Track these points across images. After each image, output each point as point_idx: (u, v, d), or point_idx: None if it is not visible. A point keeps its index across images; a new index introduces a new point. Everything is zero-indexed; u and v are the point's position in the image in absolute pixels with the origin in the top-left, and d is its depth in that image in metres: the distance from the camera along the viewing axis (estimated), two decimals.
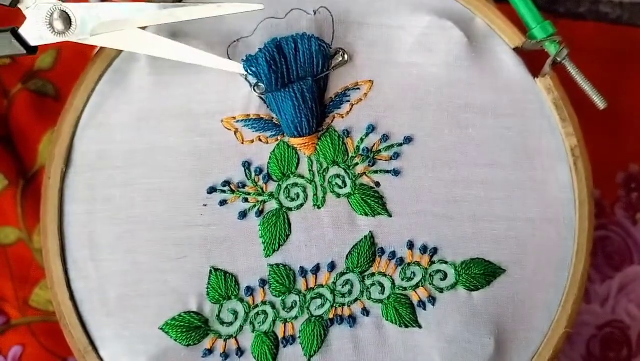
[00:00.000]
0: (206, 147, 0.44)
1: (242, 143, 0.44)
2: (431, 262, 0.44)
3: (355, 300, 0.44)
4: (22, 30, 0.42)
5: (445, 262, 0.44)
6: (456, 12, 0.45)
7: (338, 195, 0.44)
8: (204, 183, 0.44)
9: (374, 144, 0.44)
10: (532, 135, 0.45)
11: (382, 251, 0.44)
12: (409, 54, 0.45)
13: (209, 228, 0.44)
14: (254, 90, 0.44)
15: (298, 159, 0.44)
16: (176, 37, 0.43)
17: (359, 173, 0.44)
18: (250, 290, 0.44)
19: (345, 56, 0.44)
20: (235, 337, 0.43)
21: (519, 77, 0.46)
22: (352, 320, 0.44)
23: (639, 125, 0.57)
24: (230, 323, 0.43)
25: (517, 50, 0.46)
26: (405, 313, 0.44)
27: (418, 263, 0.44)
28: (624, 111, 0.57)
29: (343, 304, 0.44)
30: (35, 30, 0.42)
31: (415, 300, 0.44)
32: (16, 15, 0.42)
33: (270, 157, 0.44)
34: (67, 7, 0.41)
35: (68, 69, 0.54)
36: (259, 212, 0.44)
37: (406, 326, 0.44)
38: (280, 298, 0.44)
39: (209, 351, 0.43)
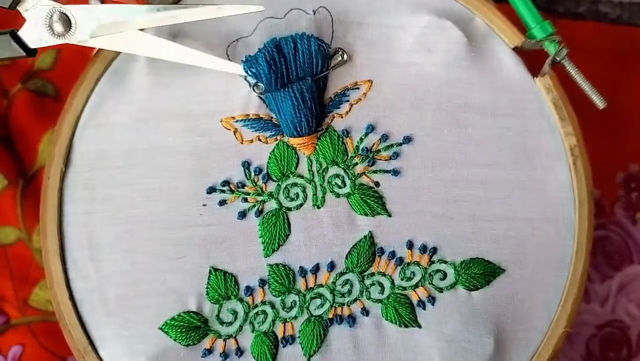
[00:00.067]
0: (206, 147, 0.44)
1: (242, 143, 0.44)
2: (431, 262, 0.44)
3: (355, 300, 0.44)
4: (22, 33, 0.42)
5: (445, 262, 0.44)
6: (456, 12, 0.45)
7: (338, 195, 0.44)
8: (204, 183, 0.44)
9: (374, 144, 0.44)
10: (532, 135, 0.45)
11: (382, 251, 0.44)
12: (408, 53, 0.45)
13: (209, 228, 0.44)
14: (254, 90, 0.44)
15: (298, 159, 0.44)
16: (176, 37, 0.44)
17: (358, 173, 0.44)
18: (250, 290, 0.44)
19: (345, 56, 0.44)
20: (235, 337, 0.43)
21: (519, 76, 0.46)
22: (351, 320, 0.44)
23: (639, 125, 0.57)
24: (230, 323, 0.43)
25: (517, 50, 0.46)
26: (405, 313, 0.44)
27: (418, 263, 0.44)
28: (624, 111, 0.57)
29: (343, 304, 0.44)
30: (35, 32, 0.41)
31: (415, 300, 0.44)
32: (15, 18, 0.42)
33: (269, 157, 0.44)
34: (67, 9, 0.41)
35: (68, 69, 0.54)
36: (259, 212, 0.44)
37: (406, 326, 0.44)
38: (280, 298, 0.44)
39: (209, 351, 0.43)
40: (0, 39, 0.41)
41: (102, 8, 0.41)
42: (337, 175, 0.44)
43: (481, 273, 0.44)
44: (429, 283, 0.44)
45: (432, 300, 0.44)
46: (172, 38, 0.43)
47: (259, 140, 0.44)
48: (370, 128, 0.44)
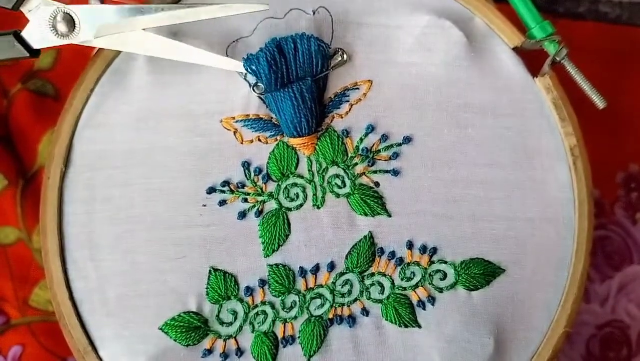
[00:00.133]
0: (206, 147, 0.44)
1: (242, 143, 0.44)
2: (431, 262, 0.44)
3: (355, 300, 0.44)
4: (25, 33, 0.42)
5: (445, 262, 0.44)
6: (455, 12, 0.45)
7: (337, 195, 0.44)
8: (204, 183, 0.44)
9: (374, 144, 0.44)
10: (532, 135, 0.45)
11: (382, 251, 0.44)
12: (408, 53, 0.45)
13: (209, 228, 0.44)
14: (254, 90, 0.44)
15: (297, 159, 0.44)
16: (175, 37, 0.43)
17: (358, 174, 0.44)
18: (249, 290, 0.44)
19: (345, 56, 0.44)
20: (235, 337, 0.43)
21: (519, 76, 0.46)
22: (351, 320, 0.44)
23: (639, 125, 0.57)
24: (230, 324, 0.43)
25: (517, 50, 0.46)
26: (405, 313, 0.44)
27: (418, 263, 0.44)
28: (623, 111, 0.57)
29: (343, 304, 0.44)
30: (38, 33, 0.41)
31: (414, 300, 0.44)
32: (18, 18, 0.42)
33: (269, 157, 0.44)
34: (72, 10, 0.41)
35: (68, 69, 0.54)
36: (259, 212, 0.44)
37: (406, 326, 0.44)
38: (280, 298, 0.44)
39: (209, 351, 0.43)
40: (4, 40, 0.41)
41: (107, 8, 0.41)
42: (337, 175, 0.44)
43: (481, 273, 0.44)
44: (429, 283, 0.44)
45: (432, 300, 0.44)
46: (171, 37, 0.43)
47: (259, 140, 0.44)
48: (370, 129, 0.44)
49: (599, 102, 0.44)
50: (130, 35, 0.42)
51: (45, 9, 0.41)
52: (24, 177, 0.53)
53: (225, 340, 0.43)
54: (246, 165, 0.44)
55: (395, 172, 0.44)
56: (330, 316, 0.44)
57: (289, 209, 0.44)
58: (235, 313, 0.43)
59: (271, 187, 0.44)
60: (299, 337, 0.44)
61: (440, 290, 0.44)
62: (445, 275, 0.44)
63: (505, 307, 0.44)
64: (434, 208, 0.44)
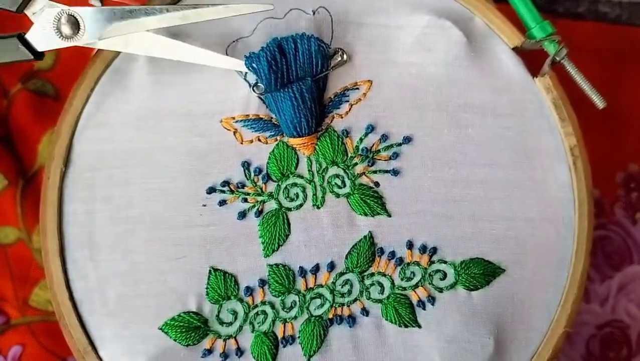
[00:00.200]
0: (205, 148, 0.44)
1: (242, 143, 0.44)
2: (431, 262, 0.44)
3: (355, 300, 0.44)
4: (29, 36, 0.41)
5: (445, 262, 0.44)
6: (455, 12, 0.45)
7: (337, 195, 0.44)
8: (204, 183, 0.44)
9: (374, 144, 0.44)
10: (532, 135, 0.45)
11: (382, 251, 0.44)
12: (408, 53, 0.45)
13: (209, 228, 0.44)
14: (253, 90, 0.44)
15: (297, 159, 0.44)
16: (176, 37, 0.43)
17: (358, 174, 0.44)
18: (249, 290, 0.44)
19: (345, 56, 0.44)
20: (235, 337, 0.43)
21: (519, 76, 0.46)
22: (351, 320, 0.44)
23: (639, 125, 0.57)
24: (230, 324, 0.43)
25: (517, 50, 0.46)
26: (405, 313, 0.44)
27: (417, 263, 0.44)
28: (623, 111, 0.57)
29: (343, 304, 0.44)
30: (43, 35, 0.41)
31: (414, 300, 0.44)
32: (23, 21, 0.42)
33: (269, 157, 0.44)
34: (76, 12, 0.41)
35: (68, 69, 0.54)
36: (259, 212, 0.44)
37: (406, 326, 0.44)
38: (280, 298, 0.44)
39: (209, 351, 0.43)
40: (8, 43, 0.41)
41: (112, 9, 0.41)
42: (337, 175, 0.44)
43: (481, 273, 0.44)
44: (429, 283, 0.44)
45: (432, 300, 0.44)
46: (171, 38, 0.43)
47: (259, 140, 0.44)
48: (370, 129, 0.44)
49: (599, 102, 0.44)
50: (133, 36, 0.42)
51: (49, 11, 0.41)
52: (24, 177, 0.53)
53: (225, 340, 0.43)
54: (246, 165, 0.44)
55: (395, 172, 0.44)
56: (330, 316, 0.44)
57: (289, 209, 0.44)
58: (235, 313, 0.43)
59: (271, 187, 0.44)
60: (299, 337, 0.44)
61: (440, 290, 0.44)
62: (445, 275, 0.44)
63: (505, 307, 0.44)
64: (434, 208, 0.44)
